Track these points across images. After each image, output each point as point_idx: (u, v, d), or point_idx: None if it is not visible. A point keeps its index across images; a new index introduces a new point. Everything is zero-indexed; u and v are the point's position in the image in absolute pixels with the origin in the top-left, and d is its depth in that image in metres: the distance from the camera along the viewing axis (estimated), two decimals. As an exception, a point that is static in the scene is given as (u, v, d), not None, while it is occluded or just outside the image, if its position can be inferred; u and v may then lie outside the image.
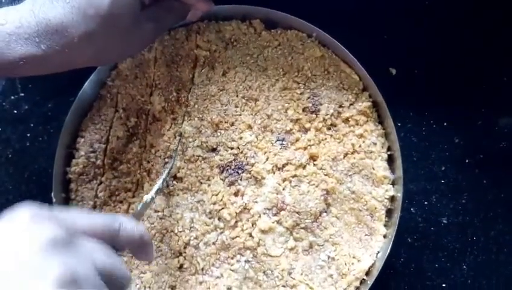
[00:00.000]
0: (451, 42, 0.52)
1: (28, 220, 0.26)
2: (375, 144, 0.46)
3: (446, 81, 0.52)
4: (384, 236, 0.44)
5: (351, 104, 0.47)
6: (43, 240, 0.24)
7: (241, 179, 0.46)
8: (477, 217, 0.50)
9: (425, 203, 0.50)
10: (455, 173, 0.51)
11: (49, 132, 0.53)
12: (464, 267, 0.49)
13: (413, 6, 0.53)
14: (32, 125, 0.53)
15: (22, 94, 0.53)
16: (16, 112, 0.53)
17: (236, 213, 0.45)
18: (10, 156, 0.52)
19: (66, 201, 0.48)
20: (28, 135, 0.53)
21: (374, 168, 0.45)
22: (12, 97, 0.53)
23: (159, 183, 0.44)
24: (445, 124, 0.51)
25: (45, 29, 0.35)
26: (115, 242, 0.31)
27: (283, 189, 0.45)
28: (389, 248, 0.42)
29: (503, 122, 0.52)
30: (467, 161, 0.51)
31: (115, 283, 0.28)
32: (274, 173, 0.46)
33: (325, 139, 0.46)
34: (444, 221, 0.50)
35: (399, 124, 0.50)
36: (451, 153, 0.51)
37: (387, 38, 0.52)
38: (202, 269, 0.44)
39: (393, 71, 0.52)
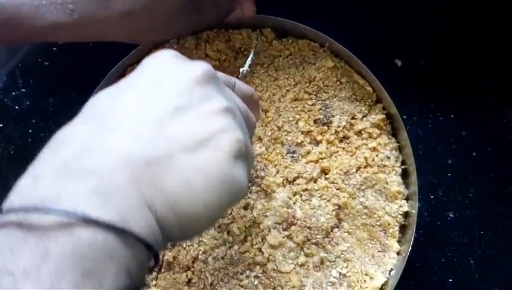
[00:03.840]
0: (458, 32, 0.51)
1: (177, 57, 0.27)
2: (388, 157, 0.44)
3: (453, 72, 0.51)
4: (398, 253, 0.43)
5: (364, 116, 0.46)
6: (200, 72, 0.26)
7: (250, 192, 0.45)
8: (485, 212, 0.49)
9: (432, 197, 0.49)
10: (462, 167, 0.49)
11: (51, 128, 0.52)
12: (471, 262, 0.48)
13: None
14: (34, 121, 0.52)
15: (23, 90, 0.52)
16: (17, 107, 0.52)
17: (245, 227, 0.44)
18: (12, 152, 0.52)
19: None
20: (30, 131, 0.52)
21: (387, 183, 0.44)
22: (14, 93, 0.53)
23: (251, 56, 0.45)
24: (452, 116, 0.50)
25: None
26: None
27: (294, 203, 0.44)
28: (403, 266, 0.41)
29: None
30: (474, 153, 0.50)
31: (249, 122, 0.30)
32: (284, 186, 0.45)
33: (337, 152, 0.45)
34: (451, 215, 0.49)
35: (404, 117, 0.49)
36: (458, 146, 0.50)
37: (393, 29, 0.51)
38: (211, 284, 0.43)
39: (399, 62, 0.51)
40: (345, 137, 0.45)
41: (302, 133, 0.45)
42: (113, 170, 0.22)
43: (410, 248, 0.41)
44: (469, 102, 0.50)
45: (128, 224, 0.21)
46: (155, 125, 0.24)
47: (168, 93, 0.25)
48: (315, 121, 0.46)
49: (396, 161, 0.45)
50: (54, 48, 0.54)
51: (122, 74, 0.48)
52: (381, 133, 0.45)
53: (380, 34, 0.51)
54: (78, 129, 0.24)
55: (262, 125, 0.46)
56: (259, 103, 0.36)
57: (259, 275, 0.43)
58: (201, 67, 0.26)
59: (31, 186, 0.21)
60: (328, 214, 0.43)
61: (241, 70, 0.44)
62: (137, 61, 0.48)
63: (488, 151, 0.50)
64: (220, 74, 0.31)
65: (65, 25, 0.33)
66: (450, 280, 0.48)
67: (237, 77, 0.41)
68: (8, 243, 0.19)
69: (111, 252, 0.20)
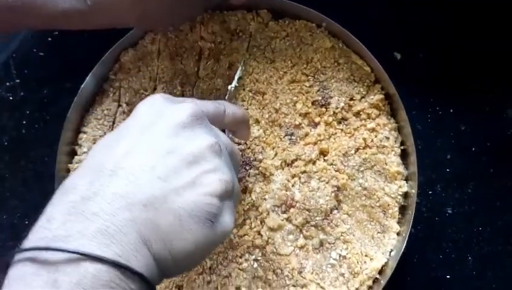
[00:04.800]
0: (458, 26, 0.50)
1: (167, 101, 0.30)
2: (387, 138, 0.44)
3: (452, 66, 0.50)
4: (398, 234, 0.43)
5: (362, 97, 0.45)
6: (187, 114, 0.29)
7: (248, 176, 0.44)
8: (484, 207, 0.48)
9: (430, 192, 0.49)
10: (461, 162, 0.49)
11: (46, 119, 0.52)
12: (469, 258, 0.48)
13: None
14: (28, 112, 0.52)
15: (18, 80, 0.52)
16: (11, 98, 0.52)
17: (244, 211, 0.43)
18: (6, 143, 0.51)
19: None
20: (24, 122, 0.52)
21: (386, 164, 0.44)
22: (8, 84, 0.52)
23: (238, 71, 0.45)
24: (451, 110, 0.50)
25: None
26: (220, 124, 0.35)
27: (292, 185, 0.44)
28: (403, 247, 0.41)
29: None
30: (473, 149, 0.49)
31: (235, 157, 0.33)
32: (283, 169, 0.44)
33: (336, 133, 0.45)
34: (449, 211, 0.48)
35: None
36: (457, 140, 0.49)
37: (392, 22, 0.50)
38: (210, 268, 0.43)
39: (398, 56, 0.50)
40: (344, 118, 0.45)
41: (300, 115, 0.45)
42: (114, 213, 0.25)
43: (410, 228, 0.41)
44: (468, 97, 0.49)
45: (129, 261, 0.24)
46: (149, 170, 0.27)
47: (159, 138, 0.28)
48: (313, 103, 0.45)
49: (395, 142, 0.44)
50: (49, 39, 0.53)
51: (117, 59, 0.48)
52: (380, 114, 0.45)
53: (379, 27, 0.50)
54: (83, 176, 0.27)
55: (259, 108, 0.45)
56: (249, 122, 0.39)
57: (259, 258, 0.43)
58: (188, 109, 0.29)
59: (45, 227, 0.25)
60: (327, 195, 0.43)
61: (229, 87, 0.43)
62: (132, 45, 0.47)
63: (487, 146, 0.49)
64: (209, 104, 0.34)
65: (78, 12, 0.33)
66: (448, 277, 0.47)
67: (225, 96, 0.43)
68: (21, 274, 0.23)
69: (113, 285, 0.23)
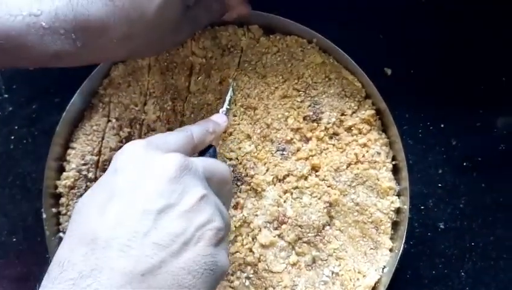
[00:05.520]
0: (448, 42, 0.51)
1: (148, 151, 0.30)
2: (379, 153, 0.44)
3: (443, 81, 0.50)
4: (391, 250, 0.42)
5: (353, 112, 0.45)
6: (173, 167, 0.29)
7: (240, 191, 0.44)
8: (476, 222, 0.48)
9: (422, 207, 0.49)
10: (452, 177, 0.49)
11: (34, 134, 0.51)
12: (462, 273, 0.48)
13: (410, 4, 0.51)
14: (16, 127, 0.51)
15: (6, 95, 0.51)
16: (0, 113, 0.51)
17: (235, 227, 0.43)
18: None
19: (57, 215, 0.46)
20: (12, 137, 0.51)
21: (378, 179, 0.43)
22: None
23: (229, 94, 0.44)
24: (442, 125, 0.50)
25: (83, 26, 0.32)
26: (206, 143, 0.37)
27: (284, 201, 0.43)
28: (396, 263, 0.41)
29: (502, 124, 0.50)
30: (464, 163, 0.49)
31: (224, 185, 0.34)
32: (275, 184, 0.44)
33: (327, 148, 0.44)
34: (441, 226, 0.48)
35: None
36: (449, 155, 0.49)
37: (382, 38, 0.51)
38: (200, 287, 0.42)
39: (389, 71, 0.51)
40: (335, 133, 0.45)
41: (291, 130, 0.45)
42: (115, 287, 0.25)
43: (403, 244, 0.41)
44: (459, 111, 0.50)
45: None
46: (143, 237, 0.26)
47: (148, 197, 0.28)
48: (304, 118, 0.45)
49: (386, 157, 0.44)
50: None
51: (106, 74, 0.47)
52: (371, 129, 0.45)
53: (369, 42, 0.50)
54: (76, 248, 0.27)
55: (251, 123, 0.45)
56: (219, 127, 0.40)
57: (251, 275, 0.42)
58: (173, 161, 0.29)
59: None
60: (319, 211, 0.43)
61: (220, 110, 0.43)
62: (122, 60, 0.47)
63: (478, 161, 0.49)
64: (195, 130, 0.35)
65: (68, 52, 0.33)
66: None
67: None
68: None
69: None
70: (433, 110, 0.50)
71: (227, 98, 0.44)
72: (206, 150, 0.37)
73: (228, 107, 0.44)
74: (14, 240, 0.49)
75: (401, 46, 0.51)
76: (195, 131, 0.36)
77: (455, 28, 0.51)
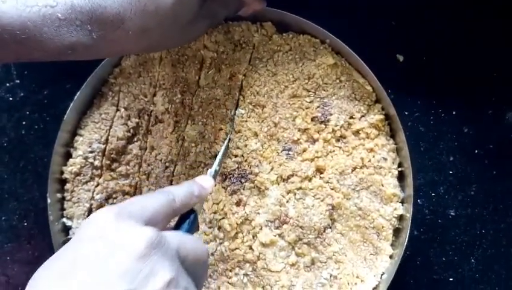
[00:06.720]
0: (461, 29, 0.50)
1: (116, 224, 0.28)
2: (385, 159, 0.44)
3: (455, 68, 0.50)
4: (391, 257, 0.42)
5: (362, 116, 0.45)
6: (143, 244, 0.27)
7: (243, 189, 0.44)
8: (486, 210, 0.48)
9: (433, 194, 0.49)
10: (464, 164, 0.49)
11: (45, 120, 0.51)
12: (472, 261, 0.48)
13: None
14: (28, 113, 0.51)
15: (18, 81, 0.52)
16: (11, 99, 0.52)
17: (237, 224, 0.43)
18: (5, 144, 0.51)
19: (61, 201, 0.46)
20: (24, 122, 0.51)
21: (383, 185, 0.43)
22: (8, 84, 0.52)
23: (220, 154, 0.42)
24: (454, 113, 0.49)
25: (99, 18, 0.32)
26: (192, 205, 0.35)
27: (287, 201, 0.43)
28: (395, 270, 0.41)
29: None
30: (476, 151, 0.49)
31: (199, 268, 0.31)
32: (278, 184, 0.44)
33: (333, 151, 0.44)
34: (452, 213, 0.48)
35: (406, 113, 0.49)
36: (460, 143, 0.49)
37: (395, 24, 0.50)
38: (199, 280, 0.43)
39: (401, 58, 0.50)
40: (342, 136, 0.45)
41: (298, 130, 0.44)
42: None
43: (403, 252, 0.41)
44: (471, 99, 0.49)
45: None
46: None
47: (113, 277, 0.25)
48: (312, 119, 0.45)
49: (393, 163, 0.44)
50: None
51: (117, 63, 0.47)
52: (379, 134, 0.44)
53: (382, 29, 0.50)
54: None
55: (258, 121, 0.45)
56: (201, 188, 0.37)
57: (249, 273, 0.42)
58: (143, 237, 0.27)
59: None
60: (321, 214, 0.43)
61: (208, 172, 0.40)
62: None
63: (490, 148, 0.49)
64: (179, 193, 0.33)
65: (84, 45, 0.33)
66: (451, 279, 0.47)
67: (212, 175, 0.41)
68: None
69: None
70: (445, 97, 0.50)
71: (218, 157, 0.42)
72: (186, 215, 0.35)
73: (217, 169, 0.41)
74: (26, 224, 0.50)
75: (415, 33, 0.50)
76: (178, 194, 0.34)
77: (469, 15, 0.50)
